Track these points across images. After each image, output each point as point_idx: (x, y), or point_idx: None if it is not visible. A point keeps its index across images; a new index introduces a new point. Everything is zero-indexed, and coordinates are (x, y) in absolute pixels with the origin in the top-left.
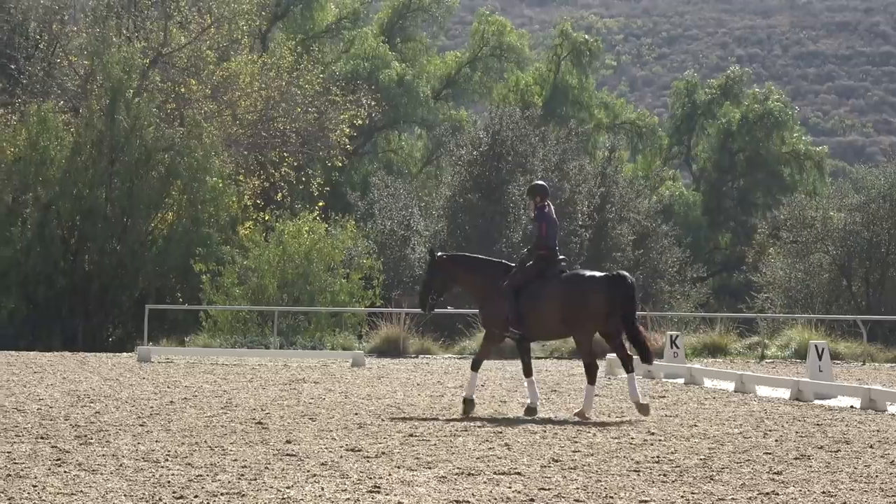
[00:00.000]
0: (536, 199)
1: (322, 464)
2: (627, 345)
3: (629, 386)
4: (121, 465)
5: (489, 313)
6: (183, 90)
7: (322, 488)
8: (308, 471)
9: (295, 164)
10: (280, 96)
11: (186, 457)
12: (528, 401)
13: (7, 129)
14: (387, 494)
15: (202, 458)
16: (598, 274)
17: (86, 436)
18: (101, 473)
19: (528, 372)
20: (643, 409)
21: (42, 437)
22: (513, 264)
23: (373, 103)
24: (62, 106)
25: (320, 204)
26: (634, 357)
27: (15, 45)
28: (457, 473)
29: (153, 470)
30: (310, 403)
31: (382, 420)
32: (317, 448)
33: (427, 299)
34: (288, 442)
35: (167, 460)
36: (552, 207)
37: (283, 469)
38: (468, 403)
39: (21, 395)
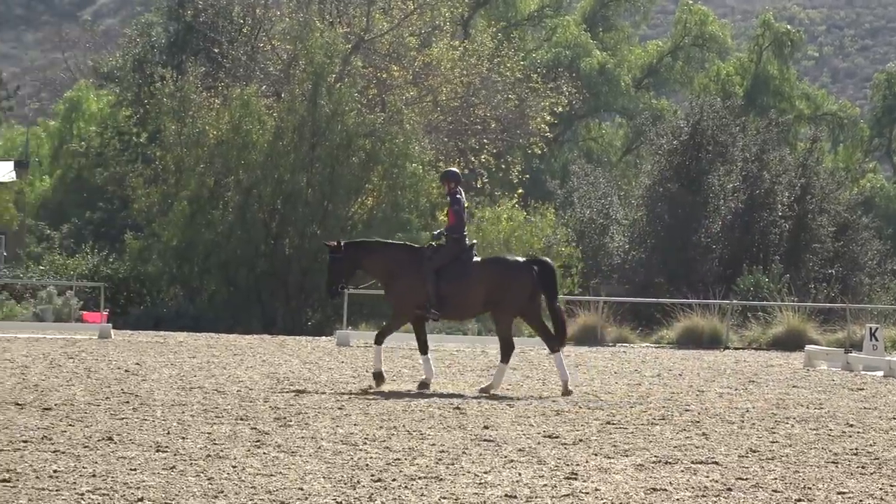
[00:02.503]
0: (451, 185)
1: (519, 450)
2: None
3: (557, 365)
4: (319, 448)
5: (399, 293)
6: (384, 76)
7: (519, 474)
8: (505, 456)
9: (495, 151)
10: (481, 83)
11: (384, 440)
12: (424, 376)
13: (210, 112)
14: (584, 481)
15: (400, 441)
16: (520, 258)
17: (285, 418)
18: (300, 455)
19: (424, 350)
20: (567, 389)
21: (242, 419)
22: (417, 246)
23: (574, 91)
24: (265, 90)
25: (519, 191)
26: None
27: (219, 29)
28: (654, 462)
29: (351, 453)
30: (507, 390)
31: (580, 407)
32: (514, 434)
33: (333, 286)
34: (486, 427)
35: (365, 443)
36: (463, 194)
37: (481, 454)
38: (378, 377)
39: (221, 378)
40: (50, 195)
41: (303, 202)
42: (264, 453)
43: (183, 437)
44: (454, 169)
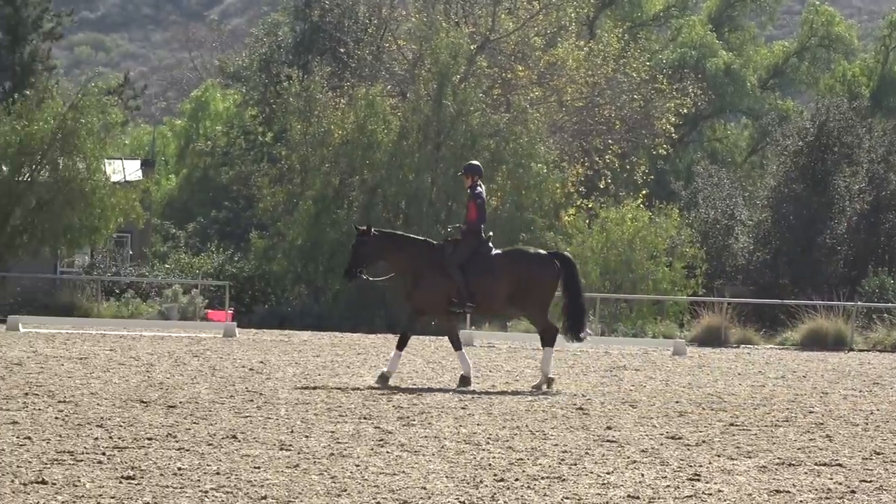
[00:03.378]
0: (473, 178)
1: (642, 450)
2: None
3: (544, 358)
4: (442, 447)
5: (426, 292)
6: (509, 76)
7: (642, 475)
8: (628, 457)
9: (619, 151)
10: (606, 83)
11: (507, 440)
12: (463, 371)
13: (336, 112)
14: (707, 482)
15: (523, 441)
16: (542, 252)
17: (408, 417)
18: (423, 455)
19: (458, 346)
20: (549, 383)
21: (365, 418)
22: (435, 242)
23: (699, 92)
24: (390, 90)
25: (644, 192)
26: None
27: (345, 29)
28: (777, 463)
29: (474, 452)
30: (630, 390)
31: (703, 409)
32: (637, 435)
33: (352, 271)
34: (608, 428)
35: (488, 443)
36: (483, 188)
37: (604, 455)
38: (383, 378)
39: (344, 376)
40: (176, 194)
41: (427, 202)
42: (387, 452)
43: (306, 436)
44: (476, 162)
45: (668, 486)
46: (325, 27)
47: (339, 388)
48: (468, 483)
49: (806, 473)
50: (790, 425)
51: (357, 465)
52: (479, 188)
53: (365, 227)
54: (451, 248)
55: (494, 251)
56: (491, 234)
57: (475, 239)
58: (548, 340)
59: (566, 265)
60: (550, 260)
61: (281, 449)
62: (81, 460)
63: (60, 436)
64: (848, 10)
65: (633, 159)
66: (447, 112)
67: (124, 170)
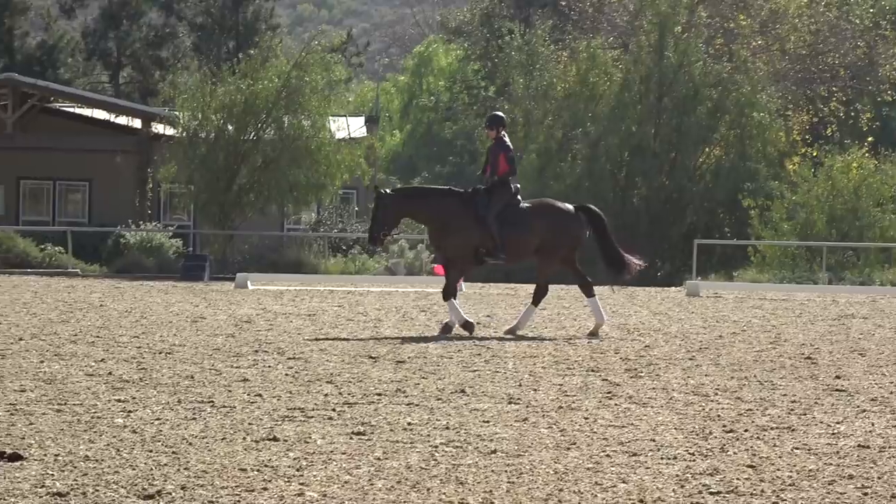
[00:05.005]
0: (498, 129)
1: (872, 399)
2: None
3: (594, 309)
4: (671, 399)
5: (457, 242)
6: (731, 25)
7: (872, 424)
8: (857, 406)
9: (844, 98)
10: (829, 31)
11: (736, 391)
12: (448, 319)
13: (558, 65)
14: None
15: (751, 392)
16: (570, 206)
17: (636, 369)
18: (652, 406)
19: (452, 295)
20: (596, 332)
21: (593, 370)
22: (461, 191)
23: None
24: (611, 42)
25: (869, 139)
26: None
27: None
28: None
29: (703, 404)
30: (859, 339)
31: None
32: (866, 384)
33: (377, 235)
34: (837, 377)
35: (716, 394)
36: (508, 138)
37: (833, 404)
38: (467, 326)
39: (572, 329)
40: (400, 150)
41: (650, 153)
42: (616, 405)
43: (535, 389)
44: (499, 113)
45: None
46: None
47: (566, 341)
48: (697, 434)
49: None
50: None
51: (585, 418)
52: (505, 139)
53: (383, 190)
54: (485, 199)
55: (523, 204)
56: (518, 185)
57: (507, 191)
58: (536, 299)
59: (594, 218)
60: (577, 214)
61: (509, 402)
62: (312, 417)
63: (291, 392)
64: None
65: (857, 107)
66: (669, 63)
67: (349, 127)
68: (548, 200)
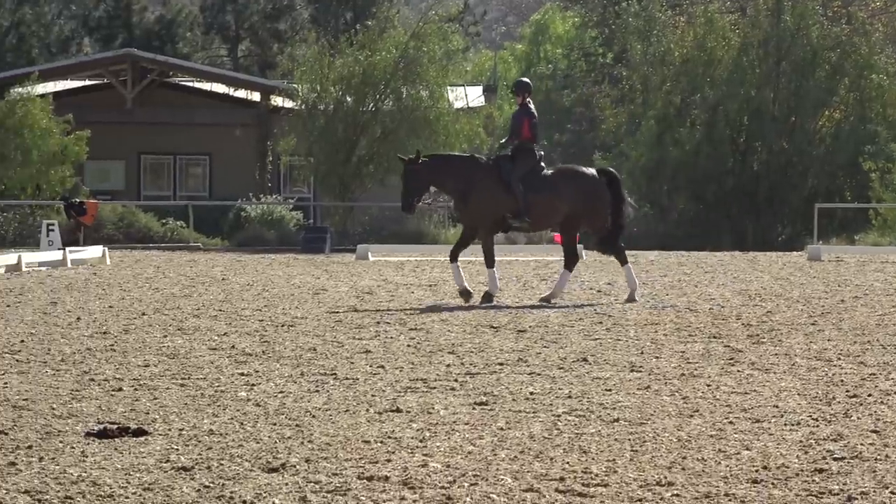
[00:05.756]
0: (525, 95)
1: None
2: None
3: (627, 276)
4: (793, 364)
5: (479, 206)
6: None
7: None
8: None
9: None
10: None
11: (859, 355)
12: (488, 287)
13: (675, 30)
14: None
15: (874, 356)
16: (592, 170)
17: (758, 335)
18: (774, 372)
19: (491, 263)
20: (632, 298)
21: (714, 337)
22: (484, 158)
23: None
24: (728, 6)
25: None
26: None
27: None
28: None
29: (825, 369)
30: None
31: None
32: None
33: (408, 201)
34: None
35: (839, 359)
36: (532, 105)
37: None
38: (465, 294)
39: (693, 295)
40: None
41: (769, 117)
42: (738, 371)
43: (657, 357)
44: (526, 79)
45: None
46: None
47: (687, 308)
48: (820, 400)
49: None
50: None
51: (708, 385)
52: (530, 105)
53: (412, 156)
54: (509, 165)
55: (546, 171)
56: (542, 153)
57: (531, 156)
58: (569, 264)
59: (612, 182)
60: (601, 180)
61: (631, 370)
62: (434, 387)
63: (413, 363)
64: None
65: None
66: (786, 26)
67: (467, 96)
68: (572, 166)
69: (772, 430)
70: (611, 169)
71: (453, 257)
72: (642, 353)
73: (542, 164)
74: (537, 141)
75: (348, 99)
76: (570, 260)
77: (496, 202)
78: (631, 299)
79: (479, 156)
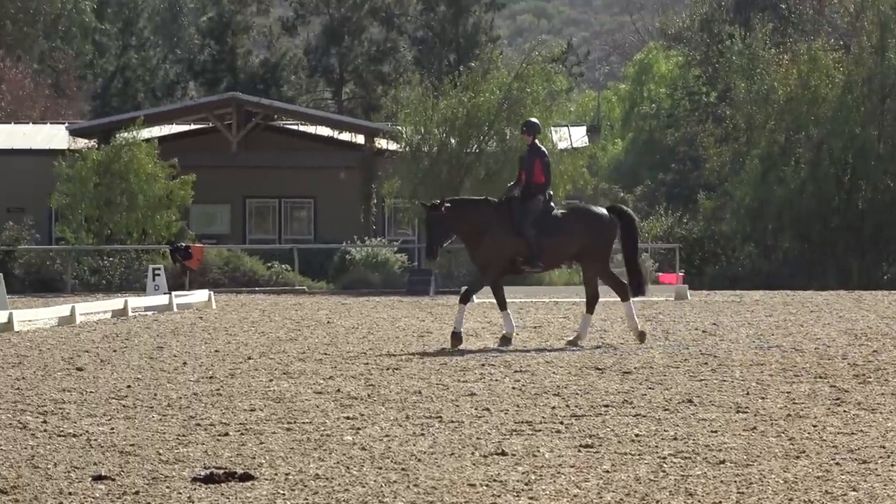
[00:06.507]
0: (535, 135)
1: None
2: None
3: (627, 314)
4: None
5: (490, 250)
6: None
7: None
8: None
9: None
10: None
11: None
12: (505, 331)
13: (779, 68)
14: None
15: None
16: (604, 210)
17: (864, 375)
18: (881, 412)
19: (503, 306)
20: (641, 337)
21: (820, 377)
22: (495, 200)
23: None
24: (832, 44)
25: None
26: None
27: None
28: None
29: None
30: None
31: None
32: None
33: (433, 248)
34: None
35: None
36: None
37: None
38: (456, 337)
39: (798, 335)
40: (622, 158)
41: (874, 155)
42: (844, 411)
43: (762, 397)
44: (535, 119)
45: None
46: None
47: (793, 348)
48: None
49: None
50: None
51: (814, 426)
52: (541, 146)
53: (436, 202)
54: (520, 207)
55: (556, 210)
56: (551, 192)
57: (542, 199)
58: (590, 307)
59: (625, 220)
60: (613, 219)
61: (737, 411)
62: (539, 430)
63: (518, 406)
64: None
65: None
66: (891, 64)
67: (570, 136)
68: (582, 205)
69: (879, 471)
70: (625, 209)
71: (463, 299)
72: (748, 393)
73: (552, 203)
74: (549, 182)
75: (452, 140)
76: (592, 302)
77: (507, 245)
78: (641, 337)
79: (492, 199)
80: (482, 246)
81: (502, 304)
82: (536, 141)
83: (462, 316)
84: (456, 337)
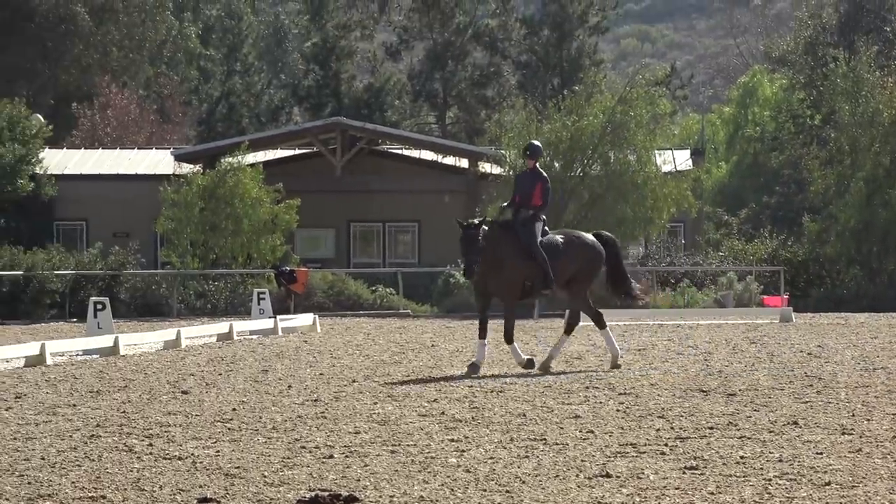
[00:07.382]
0: (537, 159)
1: None
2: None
3: (607, 341)
4: None
5: (511, 277)
6: None
7: None
8: None
9: None
10: None
11: None
12: (475, 358)
13: (884, 91)
14: None
15: None
16: (593, 237)
17: None
18: None
19: (484, 334)
20: (616, 364)
21: None
22: (499, 222)
23: None
24: None
25: None
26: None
27: (889, 7)
28: None
29: None
30: None
31: None
32: None
33: (472, 267)
34: None
35: None
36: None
37: None
38: (528, 364)
39: None
40: (727, 181)
41: None
42: None
43: (868, 419)
44: (537, 142)
45: None
46: (870, 6)
47: None
48: None
49: None
50: None
51: None
52: (542, 171)
53: (473, 221)
54: (523, 230)
55: (552, 235)
56: (545, 217)
57: (541, 222)
58: (569, 328)
59: (609, 246)
60: (599, 246)
61: (843, 433)
62: (644, 452)
63: (622, 428)
64: None
65: None
66: None
67: (674, 160)
68: (571, 231)
69: None
70: (606, 233)
71: (508, 339)
72: (853, 415)
73: (546, 227)
74: (546, 205)
75: (556, 164)
76: (572, 324)
77: (523, 269)
78: (614, 365)
79: (497, 221)
80: (505, 270)
81: (483, 333)
82: (537, 165)
83: (517, 352)
84: (528, 364)
